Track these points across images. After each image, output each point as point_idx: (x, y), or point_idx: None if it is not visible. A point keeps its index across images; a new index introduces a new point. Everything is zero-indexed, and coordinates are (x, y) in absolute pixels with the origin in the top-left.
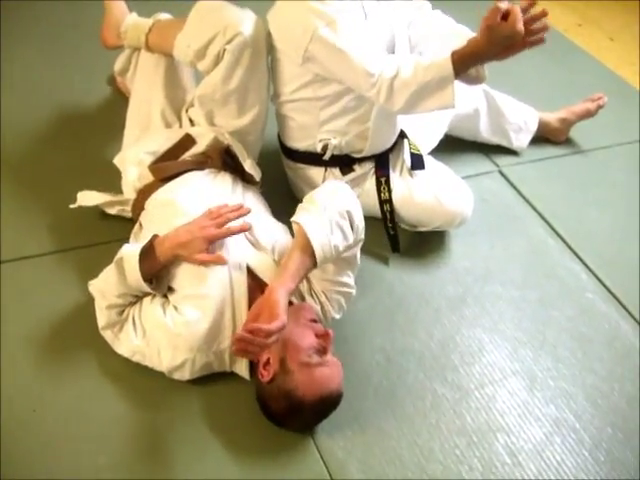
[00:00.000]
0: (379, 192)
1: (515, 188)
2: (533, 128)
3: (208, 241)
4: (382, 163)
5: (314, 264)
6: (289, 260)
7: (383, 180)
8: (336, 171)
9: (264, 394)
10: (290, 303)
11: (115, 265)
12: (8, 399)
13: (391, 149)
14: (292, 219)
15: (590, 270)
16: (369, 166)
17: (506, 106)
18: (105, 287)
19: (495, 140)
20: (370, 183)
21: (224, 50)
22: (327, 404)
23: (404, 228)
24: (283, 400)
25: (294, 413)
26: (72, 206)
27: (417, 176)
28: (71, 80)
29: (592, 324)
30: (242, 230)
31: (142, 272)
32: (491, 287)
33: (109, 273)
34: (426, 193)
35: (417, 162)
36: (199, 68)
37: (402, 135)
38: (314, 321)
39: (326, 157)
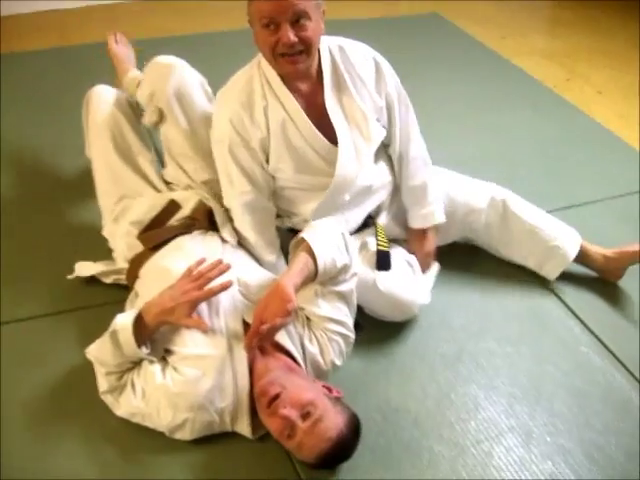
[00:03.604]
0: None
1: None
2: (569, 257)
3: (192, 305)
4: None
5: (315, 271)
6: (293, 262)
7: None
8: None
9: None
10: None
11: (110, 337)
12: (7, 465)
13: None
14: (296, 237)
15: (584, 324)
16: None
17: (534, 224)
18: (102, 357)
19: (519, 261)
20: None
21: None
22: (337, 450)
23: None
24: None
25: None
26: (70, 277)
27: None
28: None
29: (587, 378)
30: (223, 288)
31: (136, 341)
32: (486, 343)
33: (104, 344)
34: (384, 285)
35: (383, 261)
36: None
37: (371, 220)
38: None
39: (284, 227)
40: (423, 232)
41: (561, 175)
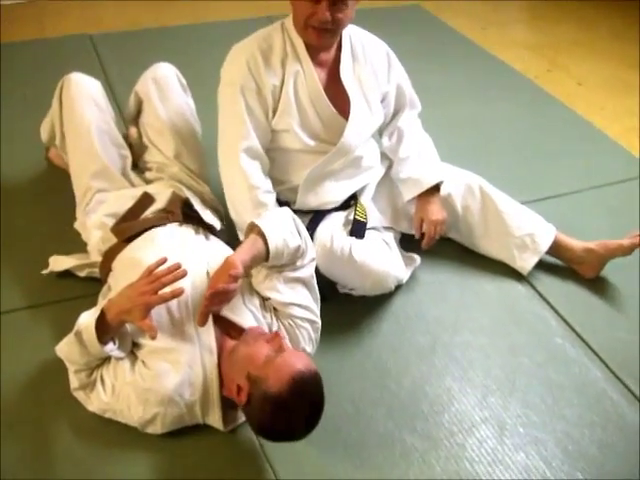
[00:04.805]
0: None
1: None
2: (542, 248)
3: (147, 309)
4: (316, 220)
5: (267, 251)
6: (243, 243)
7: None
8: None
9: (254, 418)
10: (239, 334)
11: (75, 337)
12: None
13: (338, 208)
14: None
15: (559, 315)
16: (306, 219)
17: (509, 213)
18: (69, 356)
19: (494, 253)
20: None
21: None
22: (304, 385)
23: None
24: (267, 406)
25: (282, 412)
26: (44, 272)
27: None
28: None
29: (562, 370)
30: (174, 296)
31: (100, 338)
32: (461, 336)
33: (70, 343)
34: (359, 254)
35: (358, 229)
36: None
37: (354, 201)
38: (262, 335)
39: None
40: (429, 200)
41: (539, 166)
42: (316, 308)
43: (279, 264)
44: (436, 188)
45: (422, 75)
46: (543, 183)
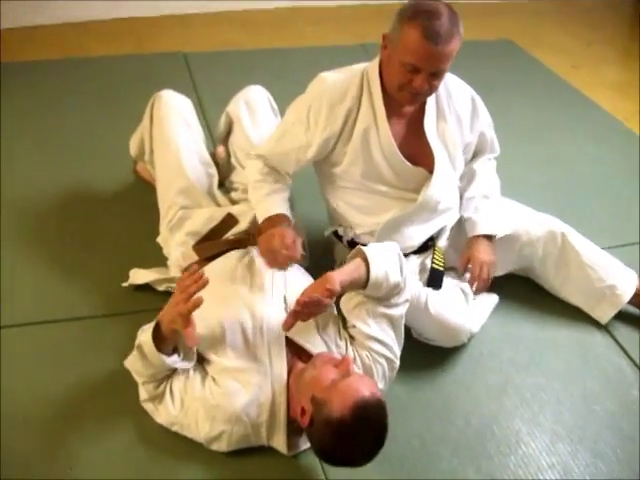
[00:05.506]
0: None
1: None
2: (622, 300)
3: (182, 317)
4: None
5: (367, 278)
6: (345, 266)
7: None
8: None
9: (315, 441)
10: (309, 359)
11: (137, 351)
12: (48, 456)
13: (414, 251)
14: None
15: (635, 364)
16: None
17: (591, 265)
18: (135, 368)
19: (572, 300)
20: None
21: None
22: (367, 411)
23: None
24: (328, 431)
25: (343, 437)
26: (124, 284)
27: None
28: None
29: (635, 421)
30: (195, 305)
31: (161, 349)
32: (533, 378)
33: (135, 356)
34: (435, 306)
35: (435, 279)
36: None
37: (432, 242)
38: (331, 359)
39: (344, 241)
40: (480, 241)
41: (623, 210)
42: (397, 349)
43: (375, 295)
44: (490, 237)
45: (509, 110)
46: (627, 228)
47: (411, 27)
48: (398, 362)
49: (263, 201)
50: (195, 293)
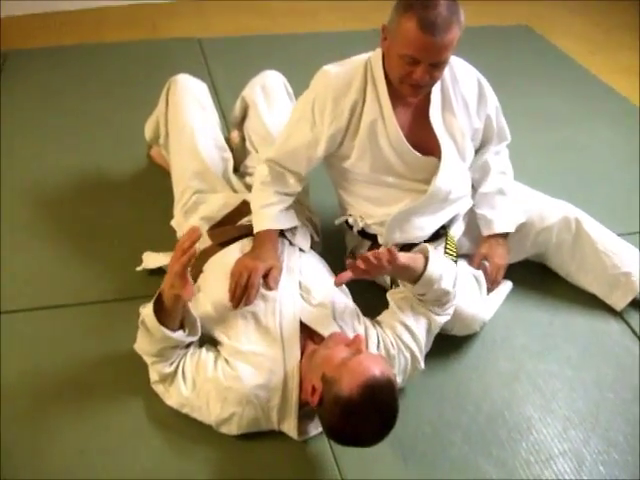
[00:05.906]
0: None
1: None
2: (637, 287)
3: (178, 275)
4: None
5: (422, 272)
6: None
7: None
8: (366, 243)
9: (324, 420)
10: (320, 340)
11: (141, 326)
12: (59, 439)
13: (426, 240)
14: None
15: None
16: None
17: (606, 251)
18: (143, 347)
19: (587, 287)
20: None
21: None
22: (376, 390)
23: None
24: (337, 410)
25: (351, 416)
26: (138, 268)
27: None
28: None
29: None
30: (189, 257)
31: (165, 324)
32: (546, 365)
33: (140, 334)
34: None
35: None
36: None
37: (444, 231)
38: (343, 339)
39: (354, 231)
40: (496, 241)
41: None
42: (423, 350)
43: (423, 294)
44: (505, 234)
45: (526, 96)
46: None
47: (407, 18)
48: (422, 365)
49: (256, 213)
50: (189, 248)
